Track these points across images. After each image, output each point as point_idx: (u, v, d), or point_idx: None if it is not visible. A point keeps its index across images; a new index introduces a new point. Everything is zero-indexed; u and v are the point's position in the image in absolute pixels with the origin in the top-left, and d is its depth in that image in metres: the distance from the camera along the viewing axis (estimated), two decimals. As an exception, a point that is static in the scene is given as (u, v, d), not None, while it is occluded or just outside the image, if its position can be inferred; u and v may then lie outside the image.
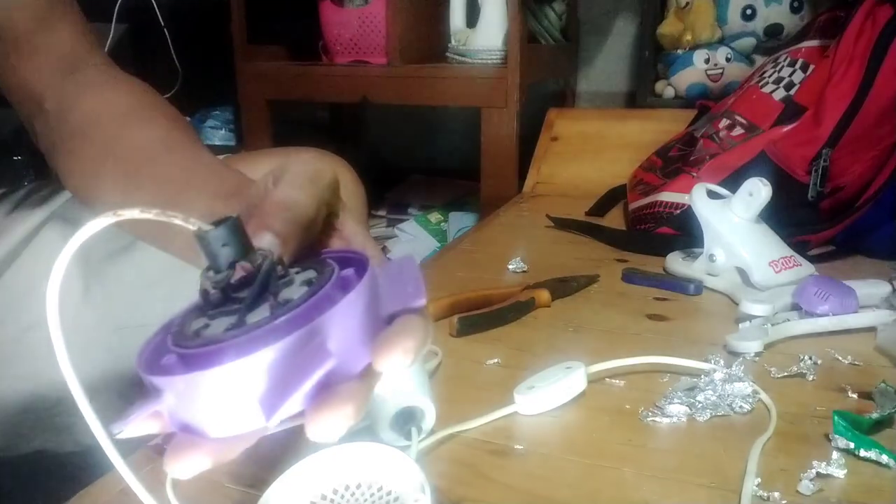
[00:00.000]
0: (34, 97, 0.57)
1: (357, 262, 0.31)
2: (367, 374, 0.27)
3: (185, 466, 0.25)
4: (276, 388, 0.25)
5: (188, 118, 1.86)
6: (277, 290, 0.28)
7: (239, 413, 0.25)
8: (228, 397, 0.25)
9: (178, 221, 0.26)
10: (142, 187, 0.46)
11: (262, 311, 0.26)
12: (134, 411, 0.26)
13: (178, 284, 0.63)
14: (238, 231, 0.27)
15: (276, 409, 0.24)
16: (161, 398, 0.26)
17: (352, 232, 0.36)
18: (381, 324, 0.28)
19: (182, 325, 0.28)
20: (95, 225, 0.25)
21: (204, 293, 0.28)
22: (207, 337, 0.26)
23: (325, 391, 0.25)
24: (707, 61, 1.39)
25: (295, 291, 0.27)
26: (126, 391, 0.63)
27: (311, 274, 0.29)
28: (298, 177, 0.33)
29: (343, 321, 0.26)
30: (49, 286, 0.27)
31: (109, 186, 0.49)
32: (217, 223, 0.27)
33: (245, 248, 0.27)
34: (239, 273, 0.28)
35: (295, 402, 0.25)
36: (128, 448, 0.52)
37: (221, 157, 0.71)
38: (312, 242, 0.34)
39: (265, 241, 0.29)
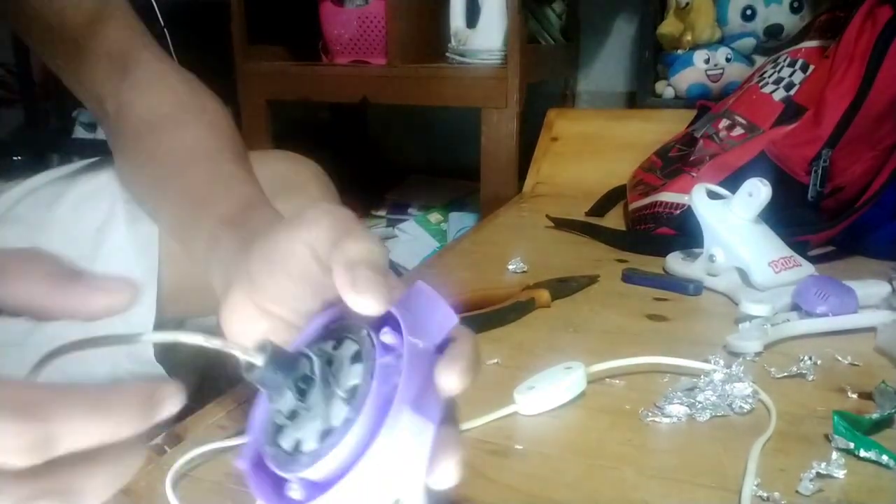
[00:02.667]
0: (97, 99, 0.59)
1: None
2: (450, 413, 0.30)
3: None
4: (407, 468, 0.28)
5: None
6: (335, 379, 0.29)
7: (388, 496, 0.28)
8: (369, 494, 0.27)
9: (237, 353, 0.28)
10: (167, 199, 0.50)
11: (340, 408, 0.28)
12: None
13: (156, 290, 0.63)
14: (280, 357, 0.28)
15: (416, 483, 0.28)
16: None
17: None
18: (434, 357, 0.30)
19: (267, 444, 0.30)
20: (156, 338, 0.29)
21: (277, 414, 0.30)
22: (314, 453, 0.28)
23: (436, 450, 0.29)
24: (707, 61, 1.39)
25: (350, 374, 0.29)
26: None
27: (352, 347, 0.30)
28: (354, 230, 0.32)
29: (412, 381, 0.28)
30: None
31: (147, 194, 0.54)
32: (261, 348, 0.28)
33: (292, 363, 0.29)
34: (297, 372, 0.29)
35: (423, 470, 0.28)
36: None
37: None
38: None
39: (363, 307, 0.29)
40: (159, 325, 0.62)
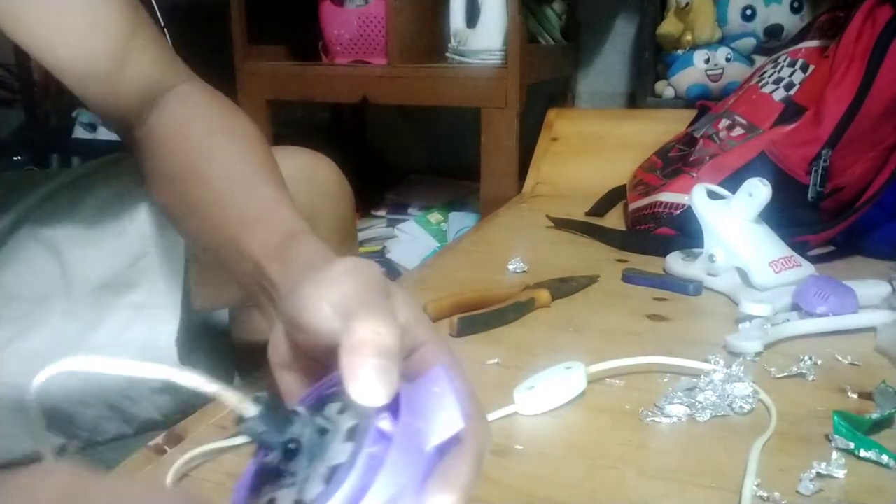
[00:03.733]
0: (126, 128, 0.60)
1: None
2: None
3: None
4: None
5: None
6: (324, 450, 0.28)
7: None
8: None
9: (230, 402, 0.27)
10: (206, 226, 0.50)
11: (317, 484, 0.27)
12: None
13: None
14: (273, 413, 0.28)
15: None
16: None
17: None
18: (431, 459, 0.28)
19: (246, 496, 0.29)
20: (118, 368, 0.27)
21: (260, 470, 0.29)
22: None
23: None
24: (707, 61, 1.39)
25: (340, 451, 0.27)
26: (114, 401, 0.63)
27: (349, 420, 0.28)
28: (369, 303, 0.31)
29: (391, 481, 0.26)
30: None
31: (183, 220, 0.54)
32: (256, 399, 0.27)
33: (283, 422, 0.28)
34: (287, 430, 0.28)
35: None
36: (129, 448, 0.52)
37: None
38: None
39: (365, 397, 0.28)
40: (183, 321, 0.63)
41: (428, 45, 1.49)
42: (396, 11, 1.41)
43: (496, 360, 0.63)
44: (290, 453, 0.28)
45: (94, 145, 2.12)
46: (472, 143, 1.38)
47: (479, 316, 0.70)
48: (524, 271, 0.87)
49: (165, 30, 1.58)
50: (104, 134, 2.16)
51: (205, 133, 0.56)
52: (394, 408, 0.28)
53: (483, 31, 1.38)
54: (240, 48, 1.51)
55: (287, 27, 1.65)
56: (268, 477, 0.29)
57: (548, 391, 0.54)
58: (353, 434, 0.28)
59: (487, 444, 0.31)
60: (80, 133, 2.23)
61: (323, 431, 0.28)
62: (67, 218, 0.65)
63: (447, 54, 1.44)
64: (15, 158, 2.22)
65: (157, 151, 0.57)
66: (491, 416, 0.52)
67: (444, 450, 0.29)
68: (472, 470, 0.29)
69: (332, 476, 0.27)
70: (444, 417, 0.28)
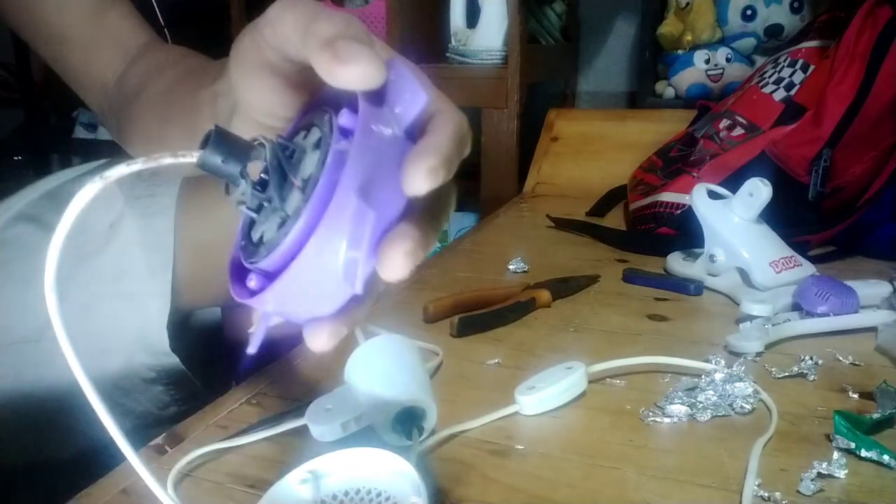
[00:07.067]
0: (102, 84, 0.60)
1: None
2: (426, 207, 0.28)
3: (326, 339, 0.29)
4: (346, 260, 0.26)
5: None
6: (296, 168, 0.28)
7: (329, 291, 0.27)
8: (312, 284, 0.27)
9: (167, 161, 0.27)
10: (170, 121, 0.48)
11: (296, 198, 0.27)
12: (253, 335, 0.29)
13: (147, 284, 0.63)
14: (226, 140, 0.27)
15: (353, 275, 0.26)
16: (266, 314, 0.29)
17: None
18: (403, 142, 0.28)
19: (244, 239, 0.30)
20: (86, 191, 0.29)
21: (240, 207, 0.29)
22: (269, 243, 0.28)
23: (386, 238, 0.27)
24: (707, 61, 1.40)
25: (310, 163, 0.27)
26: (107, 392, 0.62)
27: (316, 134, 0.28)
28: (322, 13, 0.29)
29: (361, 169, 0.26)
30: (46, 280, 0.28)
31: (149, 135, 0.53)
32: (203, 141, 0.27)
33: (243, 149, 0.27)
34: (258, 168, 0.28)
35: (362, 261, 0.26)
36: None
37: None
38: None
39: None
40: (172, 315, 0.63)
41: (428, 45, 1.49)
42: (396, 11, 1.41)
43: (496, 360, 0.63)
44: (262, 184, 0.28)
45: (95, 145, 2.13)
46: (471, 142, 1.38)
47: (480, 316, 0.70)
48: (524, 271, 0.87)
49: (166, 30, 1.58)
50: (104, 134, 2.17)
51: (170, 61, 0.57)
52: (350, 107, 0.28)
53: (483, 31, 1.38)
54: (240, 48, 1.52)
55: (287, 27, 1.65)
56: (251, 222, 0.29)
57: (548, 391, 0.54)
58: (318, 145, 0.27)
59: (464, 127, 0.31)
60: (80, 133, 2.23)
61: (291, 153, 0.28)
62: (60, 214, 0.65)
63: (447, 54, 1.44)
64: (15, 158, 2.23)
65: (130, 96, 0.57)
66: (491, 416, 0.52)
67: (418, 133, 0.29)
68: (450, 140, 0.28)
69: (307, 185, 0.27)
70: (408, 97, 0.28)
